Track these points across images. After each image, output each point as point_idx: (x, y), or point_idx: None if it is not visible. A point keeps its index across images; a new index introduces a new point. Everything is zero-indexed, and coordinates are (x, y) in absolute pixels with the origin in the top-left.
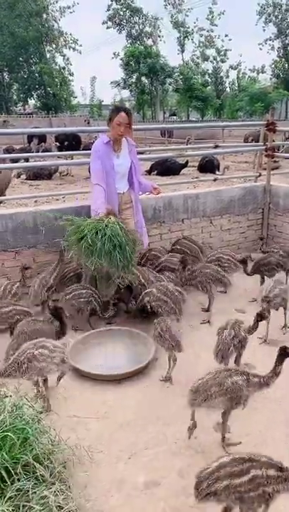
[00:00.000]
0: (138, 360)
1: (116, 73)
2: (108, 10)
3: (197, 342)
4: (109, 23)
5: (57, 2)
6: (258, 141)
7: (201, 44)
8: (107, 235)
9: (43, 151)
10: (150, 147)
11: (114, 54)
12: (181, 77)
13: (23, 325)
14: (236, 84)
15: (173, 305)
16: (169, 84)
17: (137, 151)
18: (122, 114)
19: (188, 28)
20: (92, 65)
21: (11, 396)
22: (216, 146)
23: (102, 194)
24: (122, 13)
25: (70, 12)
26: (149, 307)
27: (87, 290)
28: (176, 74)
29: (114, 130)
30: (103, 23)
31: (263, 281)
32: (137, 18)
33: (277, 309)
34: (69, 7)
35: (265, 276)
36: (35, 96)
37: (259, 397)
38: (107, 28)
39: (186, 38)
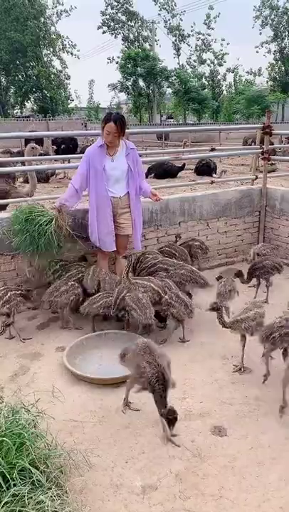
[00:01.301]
0: None
1: (114, 76)
2: (103, 15)
3: (192, 344)
4: (105, 28)
5: (56, 7)
6: None
7: (198, 48)
8: (34, 220)
9: (40, 154)
10: (146, 150)
11: (108, 59)
12: (178, 80)
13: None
14: (233, 87)
15: (140, 312)
16: (167, 87)
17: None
18: (111, 124)
19: (184, 31)
20: (90, 69)
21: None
22: (213, 149)
23: (67, 192)
24: (117, 17)
25: (66, 16)
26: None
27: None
28: (173, 77)
29: (104, 138)
30: (98, 28)
31: (259, 284)
32: (134, 22)
33: (251, 334)
34: (66, 11)
35: (262, 280)
36: (32, 99)
37: (255, 400)
38: (103, 32)
39: (182, 42)
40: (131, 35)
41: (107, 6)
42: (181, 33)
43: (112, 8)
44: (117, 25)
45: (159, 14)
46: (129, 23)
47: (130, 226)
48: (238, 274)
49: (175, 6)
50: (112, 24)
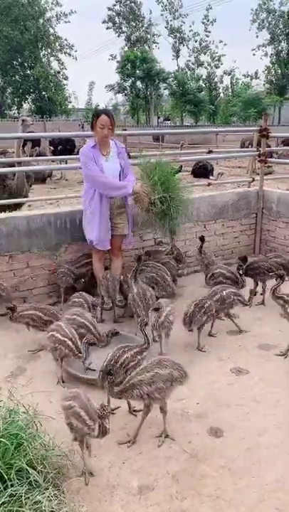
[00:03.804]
0: None
1: (113, 78)
2: (111, 10)
3: (189, 345)
4: (110, 24)
5: (54, 8)
6: None
7: (196, 49)
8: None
9: (37, 155)
10: (142, 152)
11: (111, 56)
12: (175, 82)
13: None
14: (230, 90)
15: (143, 310)
16: (164, 89)
17: (131, 156)
18: (104, 117)
19: (184, 33)
20: (89, 70)
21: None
22: (210, 152)
23: (119, 181)
24: (123, 14)
25: (66, 22)
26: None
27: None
28: (170, 79)
29: (98, 134)
30: (103, 22)
31: (256, 286)
32: (138, 22)
33: (148, 406)
34: (65, 15)
35: (260, 281)
36: (29, 100)
37: (252, 402)
38: (107, 28)
39: (182, 44)
40: (133, 36)
41: (116, 2)
42: (181, 36)
43: (121, 6)
44: (123, 22)
45: (161, 15)
46: (132, 23)
47: (126, 226)
48: (242, 259)
49: (180, 7)
50: (117, 21)
